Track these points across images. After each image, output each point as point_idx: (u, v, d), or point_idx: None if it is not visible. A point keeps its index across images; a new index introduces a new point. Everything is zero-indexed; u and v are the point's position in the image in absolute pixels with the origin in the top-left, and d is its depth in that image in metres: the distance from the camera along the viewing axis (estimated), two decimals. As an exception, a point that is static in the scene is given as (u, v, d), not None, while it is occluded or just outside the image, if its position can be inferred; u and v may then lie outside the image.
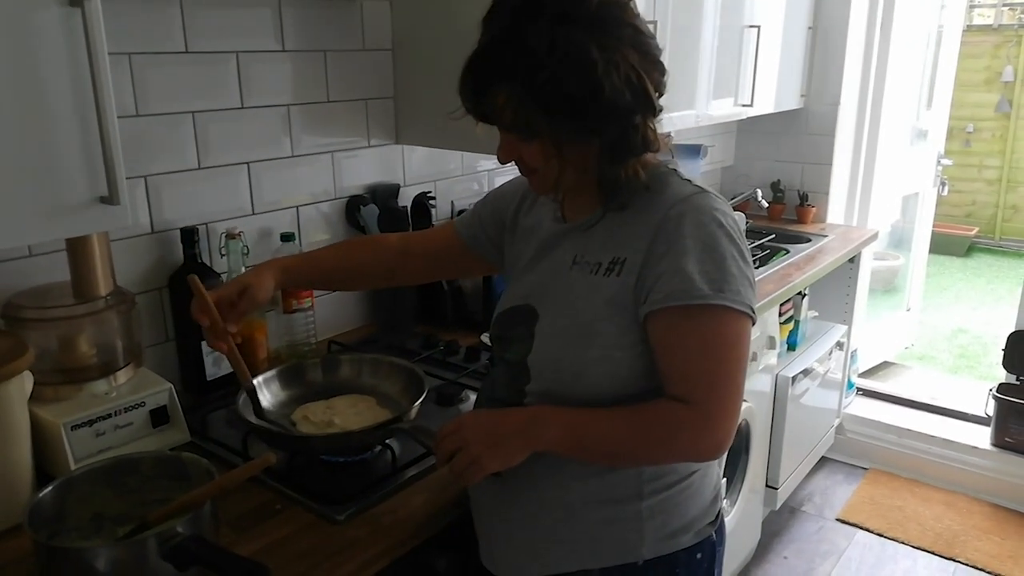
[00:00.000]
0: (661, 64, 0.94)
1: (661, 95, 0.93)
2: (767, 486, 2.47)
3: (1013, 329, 2.86)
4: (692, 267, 0.89)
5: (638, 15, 0.92)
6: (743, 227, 0.96)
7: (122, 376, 1.26)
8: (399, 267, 1.28)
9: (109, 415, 1.19)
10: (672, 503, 1.01)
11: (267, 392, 1.31)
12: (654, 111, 0.92)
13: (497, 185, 2.10)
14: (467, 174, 2.06)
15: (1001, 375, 2.94)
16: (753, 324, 0.94)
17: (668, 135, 1.01)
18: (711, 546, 1.06)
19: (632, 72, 0.88)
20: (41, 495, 0.94)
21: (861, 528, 2.71)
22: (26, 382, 1.09)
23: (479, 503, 1.11)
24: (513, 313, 1.06)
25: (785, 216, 3.02)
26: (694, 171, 2.28)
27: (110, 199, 0.96)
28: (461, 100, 0.93)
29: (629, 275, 0.93)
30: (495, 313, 1.11)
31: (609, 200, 0.97)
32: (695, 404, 0.91)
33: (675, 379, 0.92)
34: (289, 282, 1.23)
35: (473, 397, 1.44)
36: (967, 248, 6.39)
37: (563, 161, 0.93)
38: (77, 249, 1.20)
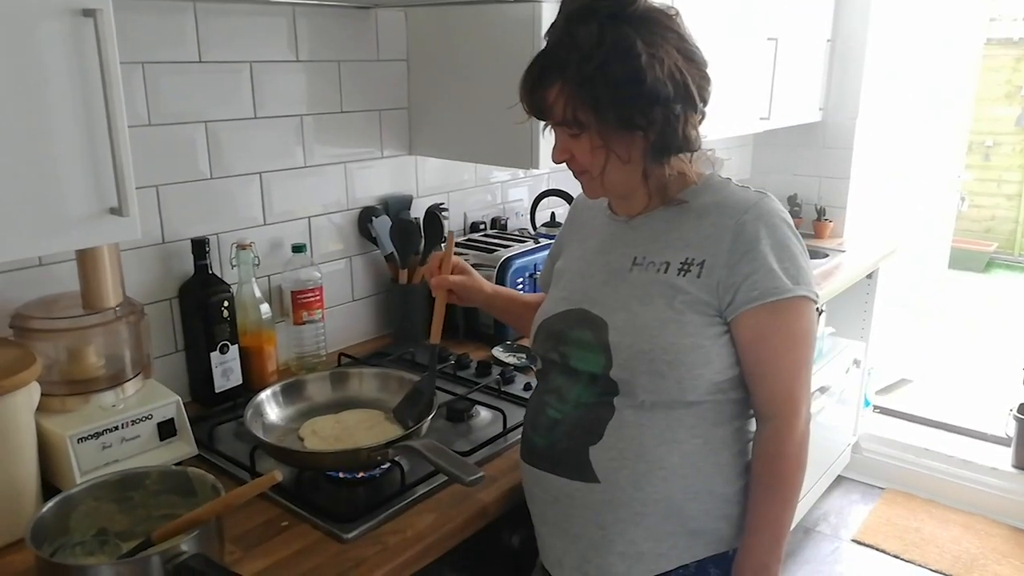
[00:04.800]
0: (706, 73, 1.00)
1: (705, 102, 1.00)
2: (781, 505, 2.43)
3: (1034, 348, 2.81)
4: (775, 265, 0.97)
5: (683, 27, 0.98)
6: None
7: (130, 387, 1.25)
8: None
9: (116, 427, 1.18)
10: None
11: (274, 405, 1.30)
12: (695, 108, 0.98)
13: (509, 197, 2.11)
14: (480, 185, 2.04)
15: (1021, 395, 2.88)
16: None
17: (712, 150, 1.07)
18: None
19: (675, 68, 0.94)
20: (44, 510, 0.93)
21: (877, 550, 2.66)
22: (33, 393, 1.08)
23: (562, 512, 1.06)
24: (566, 316, 1.07)
25: (802, 231, 2.94)
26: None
27: (119, 211, 0.95)
28: (521, 100, 1.00)
29: (709, 276, 0.98)
30: (540, 319, 1.11)
31: (656, 198, 1.03)
32: (774, 412, 1.01)
33: (763, 376, 1.00)
34: (492, 301, 1.28)
35: (484, 413, 1.42)
36: (986, 264, 6.32)
37: (610, 156, 0.97)
38: (87, 260, 1.19)
